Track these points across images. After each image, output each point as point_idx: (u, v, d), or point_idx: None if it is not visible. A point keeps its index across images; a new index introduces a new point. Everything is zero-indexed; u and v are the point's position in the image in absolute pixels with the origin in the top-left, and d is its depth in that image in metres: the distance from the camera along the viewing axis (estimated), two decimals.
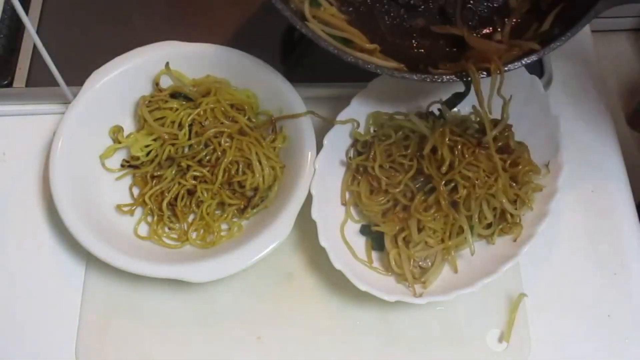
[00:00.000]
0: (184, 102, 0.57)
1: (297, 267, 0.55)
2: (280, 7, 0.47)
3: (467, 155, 0.51)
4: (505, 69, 0.47)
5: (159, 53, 0.57)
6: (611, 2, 0.47)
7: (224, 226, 0.55)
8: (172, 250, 0.54)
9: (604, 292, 0.55)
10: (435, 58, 0.52)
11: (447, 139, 0.52)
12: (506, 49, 0.49)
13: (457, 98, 0.50)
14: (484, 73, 0.47)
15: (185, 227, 0.55)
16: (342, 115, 0.55)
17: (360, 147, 0.56)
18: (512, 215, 0.52)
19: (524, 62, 0.47)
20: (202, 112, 0.55)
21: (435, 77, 0.48)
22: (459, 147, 0.52)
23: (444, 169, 0.52)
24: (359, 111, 0.56)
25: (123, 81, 0.57)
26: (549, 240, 0.56)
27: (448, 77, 0.48)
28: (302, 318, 0.53)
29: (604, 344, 0.53)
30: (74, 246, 0.54)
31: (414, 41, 0.54)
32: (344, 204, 0.56)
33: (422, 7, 0.55)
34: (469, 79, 0.47)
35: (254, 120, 0.57)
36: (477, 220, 0.52)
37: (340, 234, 0.54)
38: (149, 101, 0.57)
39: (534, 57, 0.47)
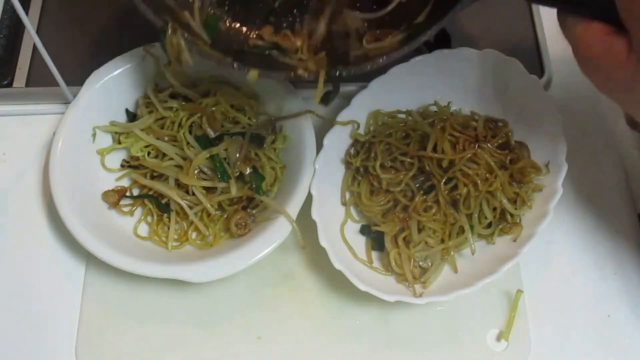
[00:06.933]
0: (184, 103, 0.57)
1: (297, 267, 0.55)
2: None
3: (466, 149, 0.52)
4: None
5: (159, 53, 0.57)
6: None
7: None
8: (172, 251, 0.54)
9: (604, 292, 0.55)
10: None
11: (447, 134, 0.53)
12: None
13: (329, 95, 0.52)
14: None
15: (185, 227, 0.55)
16: (342, 115, 0.55)
17: (361, 147, 0.56)
18: (512, 215, 0.52)
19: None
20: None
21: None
22: (460, 143, 0.52)
23: (444, 163, 0.52)
24: (359, 111, 0.56)
25: (123, 81, 0.57)
26: (549, 240, 0.56)
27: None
28: (302, 318, 0.53)
29: (604, 344, 0.53)
30: (74, 246, 0.54)
31: None
32: (344, 204, 0.56)
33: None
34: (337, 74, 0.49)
35: (254, 120, 0.57)
36: (477, 219, 0.52)
37: (340, 234, 0.54)
38: (149, 102, 0.57)
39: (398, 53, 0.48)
